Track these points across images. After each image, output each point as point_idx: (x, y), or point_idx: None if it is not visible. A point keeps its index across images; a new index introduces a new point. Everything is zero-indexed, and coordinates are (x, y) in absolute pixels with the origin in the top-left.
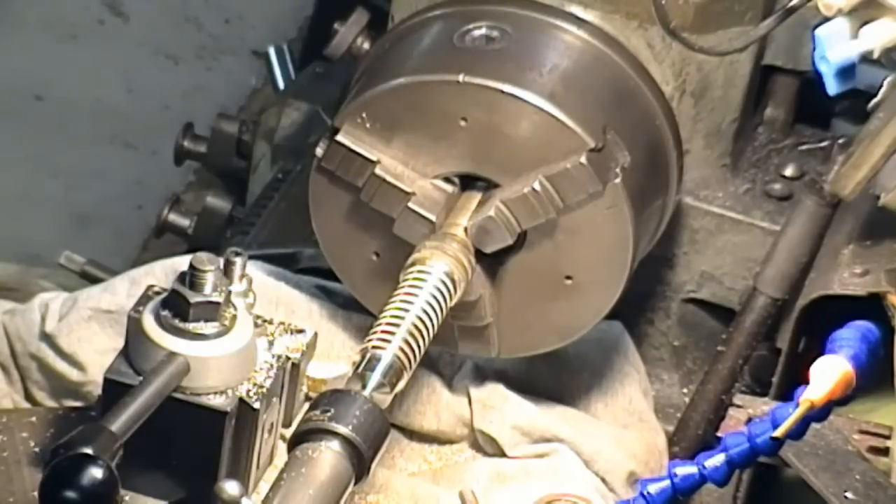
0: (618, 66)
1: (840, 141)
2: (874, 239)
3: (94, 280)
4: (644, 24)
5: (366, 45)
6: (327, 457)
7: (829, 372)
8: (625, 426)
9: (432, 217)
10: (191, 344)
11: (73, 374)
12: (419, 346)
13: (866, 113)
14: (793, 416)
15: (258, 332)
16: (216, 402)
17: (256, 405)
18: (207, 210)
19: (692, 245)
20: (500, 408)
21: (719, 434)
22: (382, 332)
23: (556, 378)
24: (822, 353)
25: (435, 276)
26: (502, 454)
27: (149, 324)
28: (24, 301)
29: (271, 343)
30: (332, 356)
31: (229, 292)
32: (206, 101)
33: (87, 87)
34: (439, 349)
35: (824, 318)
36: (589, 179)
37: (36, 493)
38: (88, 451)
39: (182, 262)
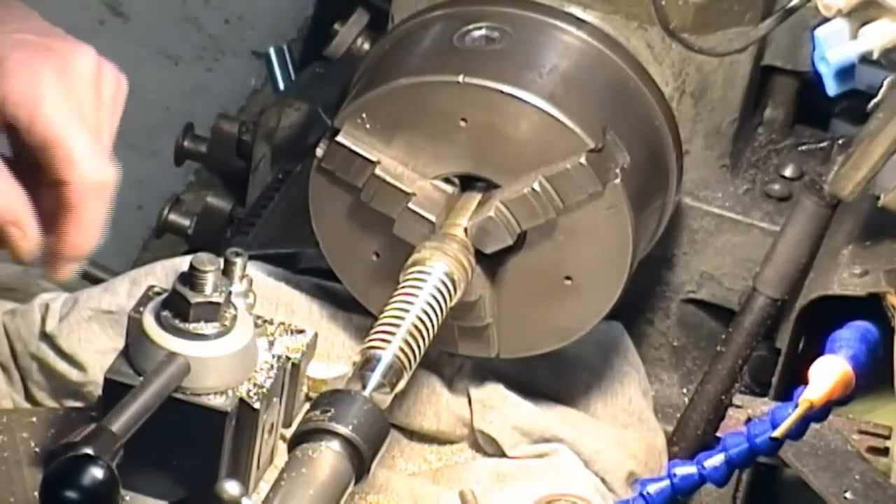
0: (617, 66)
1: (840, 141)
2: (874, 239)
3: (94, 280)
4: (644, 25)
5: (366, 46)
6: (327, 457)
7: (829, 372)
8: (624, 426)
9: (432, 217)
10: (191, 344)
11: (73, 374)
12: (419, 347)
13: (866, 113)
14: (792, 416)
15: (258, 332)
16: (216, 402)
17: (257, 405)
18: (207, 210)
19: (692, 245)
20: (500, 408)
21: (719, 434)
22: (382, 332)
23: (555, 378)
24: (821, 354)
25: (435, 276)
26: (502, 454)
27: (149, 324)
28: (24, 301)
29: (271, 343)
30: (333, 356)
31: (229, 293)
32: (206, 102)
33: None
34: (439, 349)
35: (824, 318)
36: (589, 180)
37: (36, 494)
38: (89, 451)
39: (182, 263)
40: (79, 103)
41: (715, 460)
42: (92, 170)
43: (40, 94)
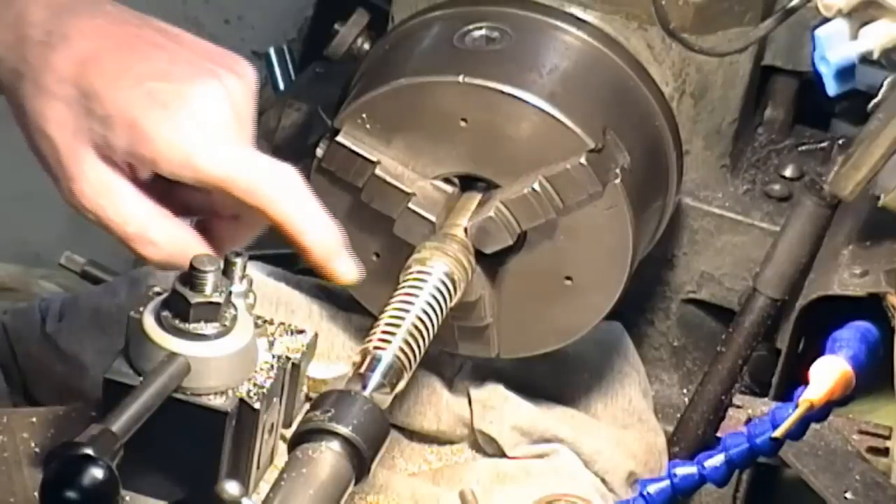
0: (617, 66)
1: (840, 141)
2: (874, 239)
3: (94, 280)
4: (644, 25)
5: (366, 46)
6: (328, 457)
7: (829, 372)
8: (624, 426)
9: (432, 218)
10: (191, 344)
11: (73, 374)
12: (419, 347)
13: (866, 113)
14: (792, 416)
15: (258, 332)
16: (216, 402)
17: (257, 405)
18: None
19: (692, 245)
20: (500, 408)
21: (719, 434)
22: (382, 332)
23: (555, 378)
24: (821, 354)
25: (435, 276)
26: (502, 454)
27: (149, 324)
28: (24, 301)
29: (271, 343)
30: (333, 357)
31: (230, 293)
32: None
33: None
34: (439, 349)
35: (824, 318)
36: (589, 180)
37: (36, 494)
38: (89, 451)
39: None
40: (226, 134)
41: (715, 460)
42: (274, 182)
43: (188, 150)
